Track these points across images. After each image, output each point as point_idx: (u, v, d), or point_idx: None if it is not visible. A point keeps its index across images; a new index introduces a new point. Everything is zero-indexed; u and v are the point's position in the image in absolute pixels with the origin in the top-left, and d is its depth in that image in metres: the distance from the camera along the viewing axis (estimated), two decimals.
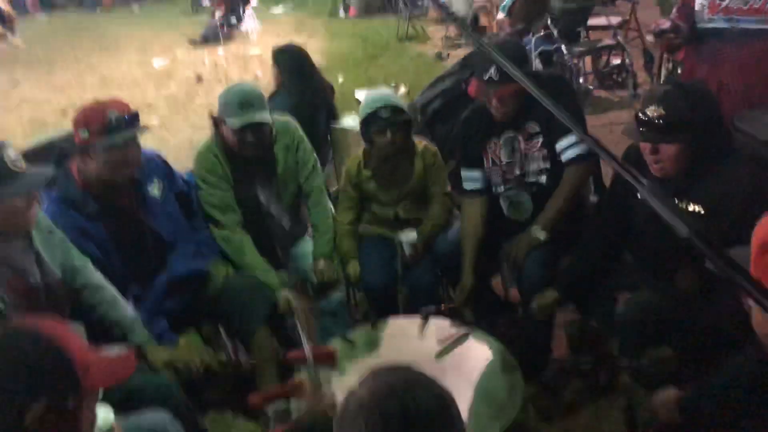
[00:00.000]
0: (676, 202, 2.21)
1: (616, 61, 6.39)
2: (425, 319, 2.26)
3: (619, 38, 6.25)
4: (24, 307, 2.03)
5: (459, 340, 2.20)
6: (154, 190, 2.65)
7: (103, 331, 2.27)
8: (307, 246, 3.06)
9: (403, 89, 5.78)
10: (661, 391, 1.90)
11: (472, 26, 9.11)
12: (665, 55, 5.00)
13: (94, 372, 1.31)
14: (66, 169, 2.47)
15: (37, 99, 8.78)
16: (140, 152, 2.53)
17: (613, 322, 2.43)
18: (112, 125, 2.36)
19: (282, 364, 2.70)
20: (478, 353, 2.09)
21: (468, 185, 2.87)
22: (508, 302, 3.13)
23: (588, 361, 2.66)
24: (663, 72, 5.10)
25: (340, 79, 7.64)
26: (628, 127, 2.24)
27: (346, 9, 12.37)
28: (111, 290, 2.35)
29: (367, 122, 2.82)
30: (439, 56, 8.67)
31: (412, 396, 1.07)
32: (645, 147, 2.16)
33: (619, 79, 6.34)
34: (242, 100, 2.71)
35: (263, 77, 7.73)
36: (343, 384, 2.02)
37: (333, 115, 4.07)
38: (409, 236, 2.83)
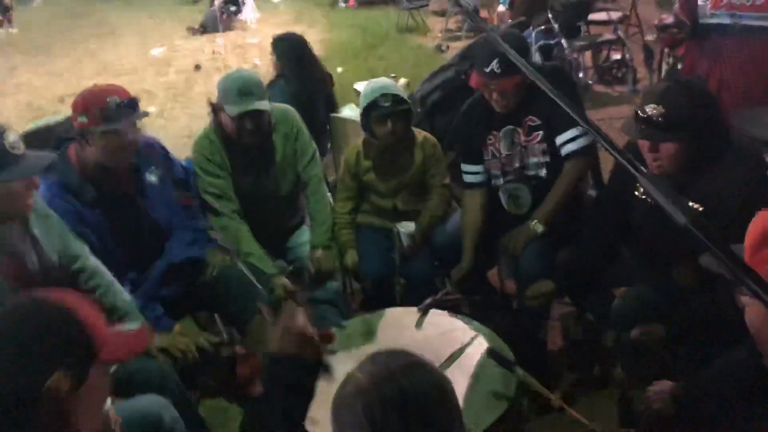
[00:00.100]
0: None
1: (616, 56, 6.38)
2: (424, 312, 2.26)
3: (620, 33, 6.25)
4: (20, 291, 2.03)
5: (468, 345, 2.20)
6: (152, 176, 2.64)
7: None
8: (304, 235, 3.06)
9: (402, 81, 5.77)
10: (655, 383, 1.91)
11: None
12: (666, 51, 5.00)
13: (110, 345, 1.34)
14: (64, 154, 2.46)
15: (34, 85, 8.76)
16: (139, 138, 2.52)
17: (608, 316, 2.44)
18: (111, 111, 2.35)
19: None
20: (474, 343, 2.10)
21: (468, 178, 2.87)
22: (504, 294, 3.14)
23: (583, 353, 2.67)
24: (663, 67, 5.10)
25: (339, 70, 7.63)
26: (627, 122, 2.24)
27: None
28: (108, 275, 2.35)
29: (367, 111, 2.81)
30: (439, 48, 8.66)
31: (410, 380, 1.07)
32: (644, 145, 2.16)
33: (619, 75, 6.34)
34: (241, 87, 2.70)
35: (262, 66, 7.71)
36: (338, 373, 2.03)
37: (332, 104, 4.07)
38: (407, 227, 2.83)
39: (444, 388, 1.10)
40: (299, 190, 3.05)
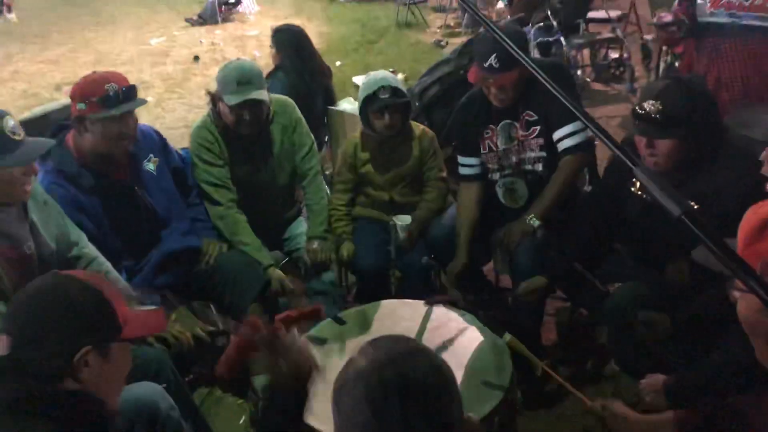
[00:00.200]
0: None
1: (614, 54, 6.40)
2: (430, 305, 2.27)
3: (618, 32, 6.26)
4: (17, 277, 2.03)
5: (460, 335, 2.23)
6: (150, 164, 2.65)
7: None
8: (301, 226, 3.07)
9: (400, 75, 5.78)
10: (647, 376, 1.92)
11: (470, 16, 9.08)
12: (664, 49, 5.01)
13: (132, 323, 1.41)
14: (62, 141, 2.46)
15: (30, 73, 8.73)
16: (137, 126, 2.53)
17: (602, 311, 2.46)
18: (109, 98, 2.35)
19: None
20: (469, 336, 2.11)
21: (464, 170, 2.88)
22: (499, 288, 3.15)
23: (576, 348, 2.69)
24: (661, 65, 5.12)
25: (338, 63, 7.63)
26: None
27: None
28: (105, 263, 2.35)
29: (366, 104, 2.82)
30: (438, 44, 8.66)
31: (411, 365, 1.08)
32: (640, 141, 2.17)
33: (617, 73, 6.35)
34: (240, 77, 2.70)
35: (260, 58, 7.71)
36: (332, 363, 2.04)
37: (330, 97, 4.07)
38: (403, 220, 2.84)
39: (444, 373, 1.11)
40: (296, 181, 3.06)
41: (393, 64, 7.21)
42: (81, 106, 2.37)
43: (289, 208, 3.12)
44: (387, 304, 2.36)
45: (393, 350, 1.11)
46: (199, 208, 2.85)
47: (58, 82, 7.97)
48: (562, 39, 5.94)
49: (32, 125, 2.96)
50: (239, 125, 2.76)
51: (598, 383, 2.65)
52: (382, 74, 2.89)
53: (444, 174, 3.01)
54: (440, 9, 10.45)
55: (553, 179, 2.68)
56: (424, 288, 2.82)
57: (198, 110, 6.33)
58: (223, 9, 10.70)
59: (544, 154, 2.73)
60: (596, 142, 2.75)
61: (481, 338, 2.09)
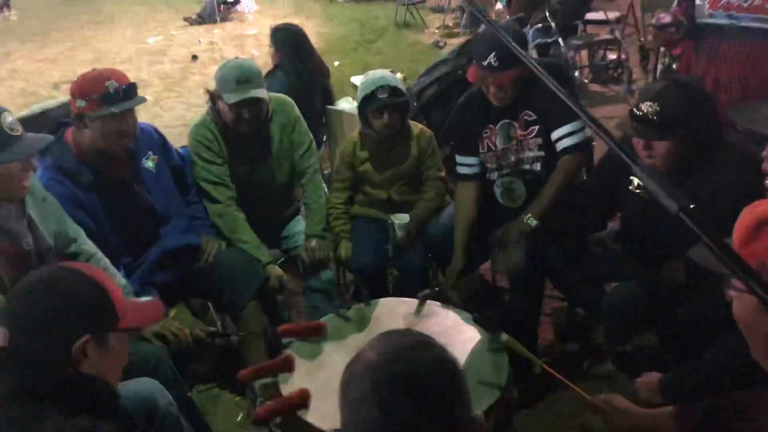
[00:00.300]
0: None
1: (612, 56, 6.41)
2: (422, 301, 2.28)
3: (617, 33, 6.28)
4: (15, 273, 2.03)
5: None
6: (149, 162, 2.65)
7: None
8: (299, 225, 3.07)
9: (399, 75, 5.78)
10: (643, 374, 1.93)
11: (469, 16, 9.10)
12: (662, 50, 5.02)
13: (130, 313, 1.43)
14: (61, 137, 2.47)
15: (28, 71, 8.72)
16: (136, 123, 2.53)
17: (599, 311, 2.47)
18: (110, 95, 2.35)
19: (270, 339, 2.73)
20: (466, 335, 2.12)
21: (462, 170, 2.88)
22: (496, 287, 3.16)
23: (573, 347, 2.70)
24: (659, 67, 5.13)
25: (337, 63, 7.63)
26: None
27: None
28: (103, 259, 2.35)
29: (364, 103, 2.83)
30: (436, 44, 8.66)
31: (420, 360, 1.07)
32: (638, 143, 2.18)
33: (615, 74, 6.36)
34: (240, 75, 2.71)
35: (259, 57, 7.71)
36: (330, 361, 2.05)
37: (329, 96, 4.07)
38: (401, 219, 2.85)
39: (453, 369, 1.11)
40: (295, 180, 3.06)
41: (391, 64, 7.21)
42: (81, 103, 2.37)
43: (288, 207, 3.13)
44: (385, 302, 2.37)
45: (402, 345, 1.10)
46: (197, 206, 2.85)
47: (56, 81, 7.96)
48: (560, 40, 5.95)
49: (31, 122, 2.97)
50: (238, 123, 2.77)
51: (595, 382, 2.65)
52: (381, 74, 2.89)
53: (442, 173, 3.02)
54: (439, 9, 10.46)
55: (552, 179, 2.69)
56: (422, 287, 2.82)
57: (196, 109, 6.32)
58: (221, 8, 10.70)
59: (542, 153, 2.74)
60: (594, 142, 2.76)
61: (479, 337, 2.10)
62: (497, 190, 2.85)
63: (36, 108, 3.53)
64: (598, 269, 2.60)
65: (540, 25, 6.06)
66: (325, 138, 4.12)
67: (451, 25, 9.59)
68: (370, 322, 2.25)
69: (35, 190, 2.19)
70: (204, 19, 10.64)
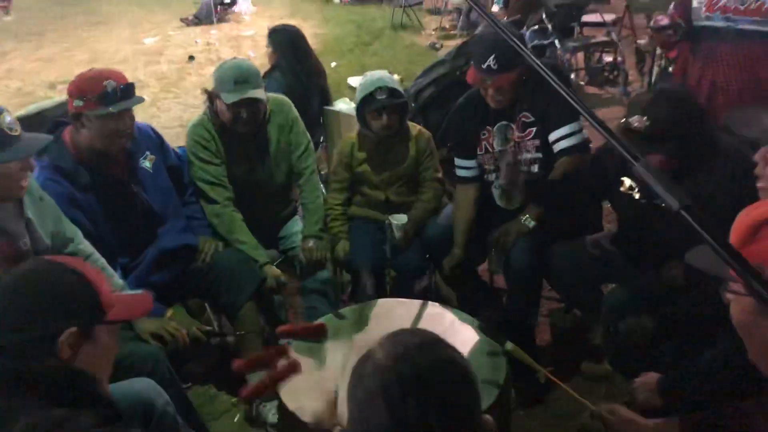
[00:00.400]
0: (660, 201, 2.24)
1: (609, 58, 6.43)
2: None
3: (613, 36, 6.29)
4: None
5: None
6: (147, 162, 2.65)
7: None
8: (296, 225, 3.07)
9: (396, 76, 5.79)
10: (641, 375, 1.93)
11: (466, 18, 9.12)
12: (658, 52, 5.04)
13: (117, 305, 1.42)
14: (59, 137, 2.46)
15: (25, 71, 8.70)
16: (134, 123, 2.52)
17: (597, 312, 2.47)
18: (107, 95, 2.35)
19: (267, 339, 2.73)
20: (464, 335, 2.12)
21: (461, 172, 2.89)
22: (494, 288, 3.17)
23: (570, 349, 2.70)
24: (655, 69, 5.14)
25: (333, 65, 7.64)
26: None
27: None
28: (100, 259, 2.35)
29: (363, 104, 2.83)
30: (433, 46, 8.68)
31: (430, 362, 1.07)
32: None
33: (611, 76, 6.38)
34: (237, 75, 2.71)
35: (256, 58, 7.70)
36: (327, 361, 2.05)
37: (326, 97, 4.08)
38: (399, 219, 2.85)
39: (464, 371, 1.10)
40: (292, 180, 3.06)
41: (388, 66, 7.22)
42: (78, 102, 2.36)
43: (285, 207, 3.13)
44: (383, 302, 2.37)
45: (411, 345, 1.09)
46: (195, 206, 2.85)
47: (52, 81, 7.94)
48: (556, 42, 5.96)
49: (28, 122, 2.95)
50: (236, 124, 2.77)
51: (592, 383, 2.66)
52: (379, 75, 2.89)
53: (440, 174, 3.02)
54: (435, 11, 10.48)
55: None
56: (419, 287, 2.83)
57: (193, 109, 6.32)
58: (218, 9, 10.70)
59: (540, 155, 2.74)
60: (591, 144, 2.76)
61: (477, 337, 2.10)
62: (495, 192, 2.86)
63: (33, 107, 3.51)
64: (595, 270, 2.60)
65: (537, 27, 6.08)
66: (322, 139, 4.12)
67: (447, 27, 9.60)
68: (368, 323, 2.26)
69: (33, 190, 2.18)
70: (201, 20, 10.64)
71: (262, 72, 3.66)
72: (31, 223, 2.14)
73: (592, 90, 6.34)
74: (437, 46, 8.65)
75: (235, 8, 11.10)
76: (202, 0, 10.96)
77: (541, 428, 2.52)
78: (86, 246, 2.34)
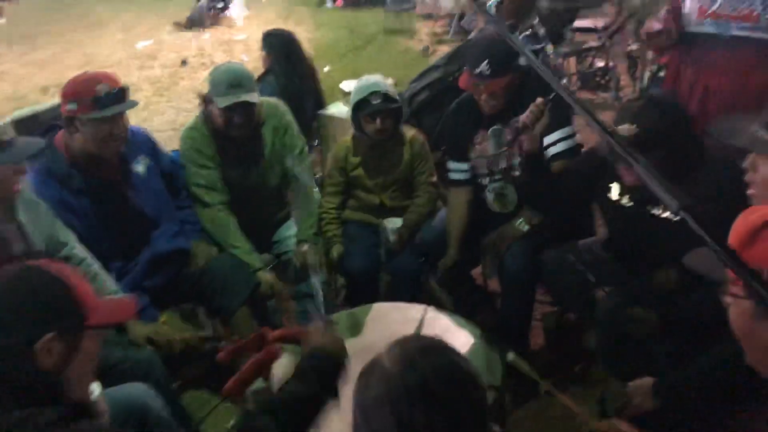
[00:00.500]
0: (650, 208, 2.26)
1: (600, 63, 6.45)
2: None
3: (604, 41, 6.32)
4: None
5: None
6: (140, 166, 2.64)
7: None
8: (291, 229, 3.07)
9: (389, 80, 5.79)
10: (637, 379, 1.94)
11: (458, 23, 9.14)
12: (649, 57, 5.06)
13: (99, 310, 1.40)
14: (51, 141, 2.45)
15: (17, 75, 8.66)
16: (128, 127, 2.52)
17: (590, 316, 2.47)
18: (101, 99, 2.34)
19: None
20: (460, 339, 2.12)
21: (454, 175, 2.90)
22: (488, 292, 3.17)
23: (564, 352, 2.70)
24: (646, 74, 5.16)
25: (326, 69, 7.63)
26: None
27: None
28: (94, 263, 2.34)
29: (357, 108, 2.83)
30: (426, 51, 8.69)
31: (435, 364, 1.07)
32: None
33: (602, 81, 6.40)
34: (232, 79, 2.71)
35: (249, 62, 7.70)
36: None
37: (320, 101, 4.08)
38: (393, 223, 2.85)
39: (473, 378, 1.10)
40: (286, 184, 3.05)
41: (381, 70, 7.14)
42: (72, 106, 2.36)
43: (279, 211, 3.12)
44: (378, 307, 2.37)
45: (418, 352, 1.09)
46: (188, 210, 2.84)
47: (44, 85, 7.91)
48: (548, 47, 5.98)
49: (21, 125, 2.94)
50: (230, 127, 2.76)
51: (586, 387, 2.66)
52: (374, 79, 2.90)
53: (434, 178, 3.03)
54: (428, 17, 10.50)
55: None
56: (414, 291, 2.83)
57: (186, 113, 6.30)
58: (211, 13, 10.69)
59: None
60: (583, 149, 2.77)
61: (473, 341, 2.10)
62: (489, 196, 2.86)
63: (27, 111, 3.50)
64: (588, 275, 2.60)
65: (529, 32, 6.09)
66: (316, 142, 4.12)
67: (440, 32, 9.62)
68: (364, 327, 2.25)
69: (25, 194, 2.18)
70: (193, 24, 10.62)
71: (256, 76, 3.67)
72: (24, 228, 2.14)
73: (584, 95, 6.36)
74: (430, 50, 8.66)
75: (228, 12, 11.07)
76: (195, 4, 10.95)
77: (537, 430, 2.52)
78: (80, 250, 2.33)
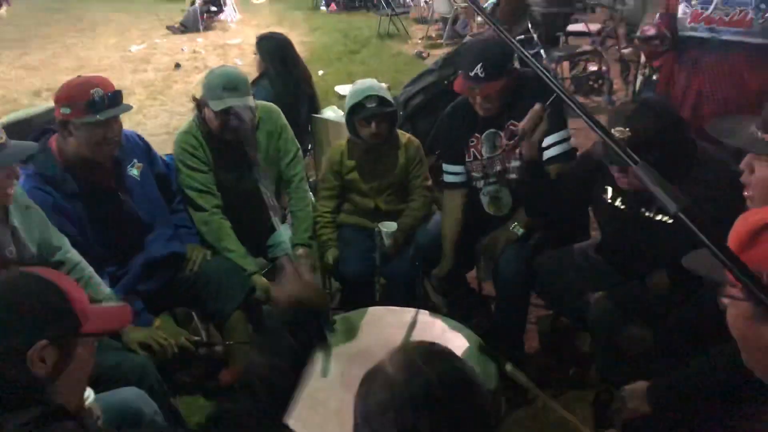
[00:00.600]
0: (644, 212, 2.27)
1: (593, 67, 6.49)
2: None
3: (597, 45, 6.36)
4: None
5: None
6: (134, 170, 2.63)
7: None
8: (285, 233, 3.06)
9: (384, 85, 5.80)
10: (631, 383, 1.94)
11: (452, 27, 9.17)
12: (642, 61, 5.08)
13: (94, 318, 1.38)
14: (45, 145, 2.44)
15: (9, 78, 8.63)
16: (121, 131, 2.51)
17: (584, 320, 2.47)
18: (95, 103, 2.33)
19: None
20: (454, 343, 2.12)
21: (448, 178, 2.90)
22: (483, 296, 3.17)
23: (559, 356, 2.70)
24: (639, 78, 5.19)
25: (321, 73, 7.64)
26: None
27: (327, 3, 12.38)
28: (88, 268, 2.33)
29: (352, 112, 2.83)
30: (419, 55, 8.71)
31: (439, 371, 1.06)
32: (612, 167, 2.20)
33: (595, 85, 6.43)
34: (226, 83, 2.70)
35: (243, 66, 7.69)
36: (320, 370, 2.04)
37: (314, 105, 4.08)
38: (388, 227, 2.85)
39: (476, 385, 1.10)
40: (281, 188, 3.05)
41: (375, 74, 7.22)
42: (65, 110, 2.34)
43: (274, 215, 3.11)
44: (374, 311, 2.37)
45: (422, 359, 1.09)
46: (182, 214, 2.83)
47: (37, 89, 7.89)
48: (542, 52, 6.01)
49: (13, 129, 2.92)
50: (224, 131, 2.75)
51: (581, 390, 2.66)
52: (369, 83, 2.90)
53: (429, 182, 3.03)
54: (422, 21, 10.54)
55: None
56: (409, 295, 2.82)
57: (180, 117, 6.29)
58: (204, 17, 10.69)
59: None
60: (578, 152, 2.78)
61: (467, 344, 2.10)
62: (484, 199, 2.86)
63: (20, 114, 3.48)
64: (582, 278, 2.61)
65: (522, 36, 6.12)
66: (310, 146, 4.12)
67: (434, 36, 9.65)
68: (359, 331, 2.25)
69: (19, 198, 2.16)
70: (187, 27, 10.62)
71: (250, 80, 3.67)
72: (17, 232, 2.12)
73: (577, 99, 6.37)
74: (423, 54, 8.69)
75: (222, 16, 11.10)
76: (188, 8, 10.95)
77: None
78: (74, 254, 2.32)
